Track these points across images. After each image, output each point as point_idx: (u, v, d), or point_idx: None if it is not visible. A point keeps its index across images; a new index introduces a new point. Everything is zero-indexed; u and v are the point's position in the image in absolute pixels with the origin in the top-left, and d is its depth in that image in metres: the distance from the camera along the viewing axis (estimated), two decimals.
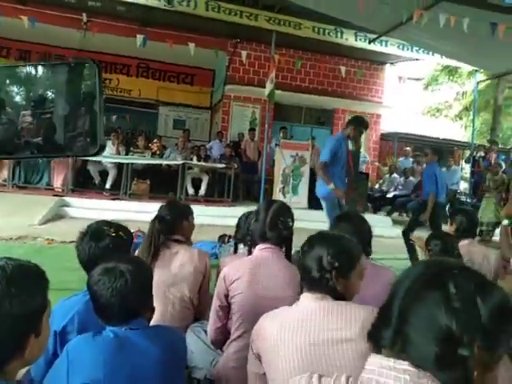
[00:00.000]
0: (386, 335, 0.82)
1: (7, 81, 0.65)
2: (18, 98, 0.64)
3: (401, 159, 12.01)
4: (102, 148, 0.63)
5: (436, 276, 0.82)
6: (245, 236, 2.51)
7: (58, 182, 8.09)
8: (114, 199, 7.84)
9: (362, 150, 10.84)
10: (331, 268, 1.40)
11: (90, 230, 1.76)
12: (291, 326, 1.36)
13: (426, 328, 0.77)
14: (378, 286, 1.62)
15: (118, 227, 1.84)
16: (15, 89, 0.65)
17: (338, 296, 1.41)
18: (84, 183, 8.63)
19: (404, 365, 0.77)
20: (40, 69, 0.66)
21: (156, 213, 2.45)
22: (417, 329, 0.78)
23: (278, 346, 1.35)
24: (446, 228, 3.21)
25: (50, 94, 0.64)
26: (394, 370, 0.77)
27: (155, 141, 9.27)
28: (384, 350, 0.82)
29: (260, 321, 1.49)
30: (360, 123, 4.77)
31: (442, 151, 5.92)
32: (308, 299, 1.42)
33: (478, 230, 8.45)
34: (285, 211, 2.15)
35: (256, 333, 1.48)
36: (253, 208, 2.32)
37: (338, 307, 1.37)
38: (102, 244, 1.72)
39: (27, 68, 0.67)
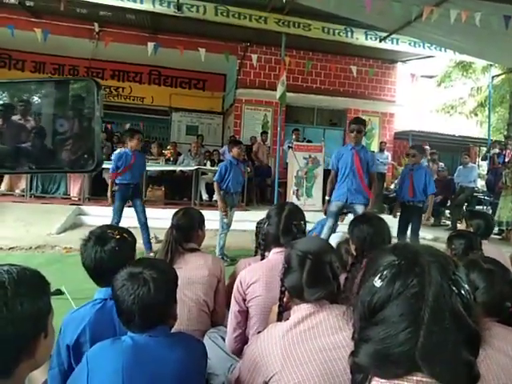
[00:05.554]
0: None
1: (9, 96, 0.65)
2: (17, 114, 0.64)
3: None
4: (99, 164, 0.63)
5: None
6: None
7: (74, 191, 8.20)
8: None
9: (385, 152, 10.74)
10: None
11: (93, 236, 1.76)
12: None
13: None
14: None
15: (121, 230, 1.84)
16: (15, 104, 0.65)
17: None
18: (100, 191, 8.71)
19: None
20: (41, 85, 0.66)
21: (170, 219, 2.47)
22: None
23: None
24: (462, 227, 3.17)
25: (49, 110, 0.64)
26: None
27: (169, 147, 9.34)
28: None
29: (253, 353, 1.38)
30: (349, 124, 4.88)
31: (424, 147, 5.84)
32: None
33: (497, 229, 8.35)
34: (297, 214, 2.12)
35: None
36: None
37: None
38: (108, 247, 1.71)
39: (28, 84, 0.67)
